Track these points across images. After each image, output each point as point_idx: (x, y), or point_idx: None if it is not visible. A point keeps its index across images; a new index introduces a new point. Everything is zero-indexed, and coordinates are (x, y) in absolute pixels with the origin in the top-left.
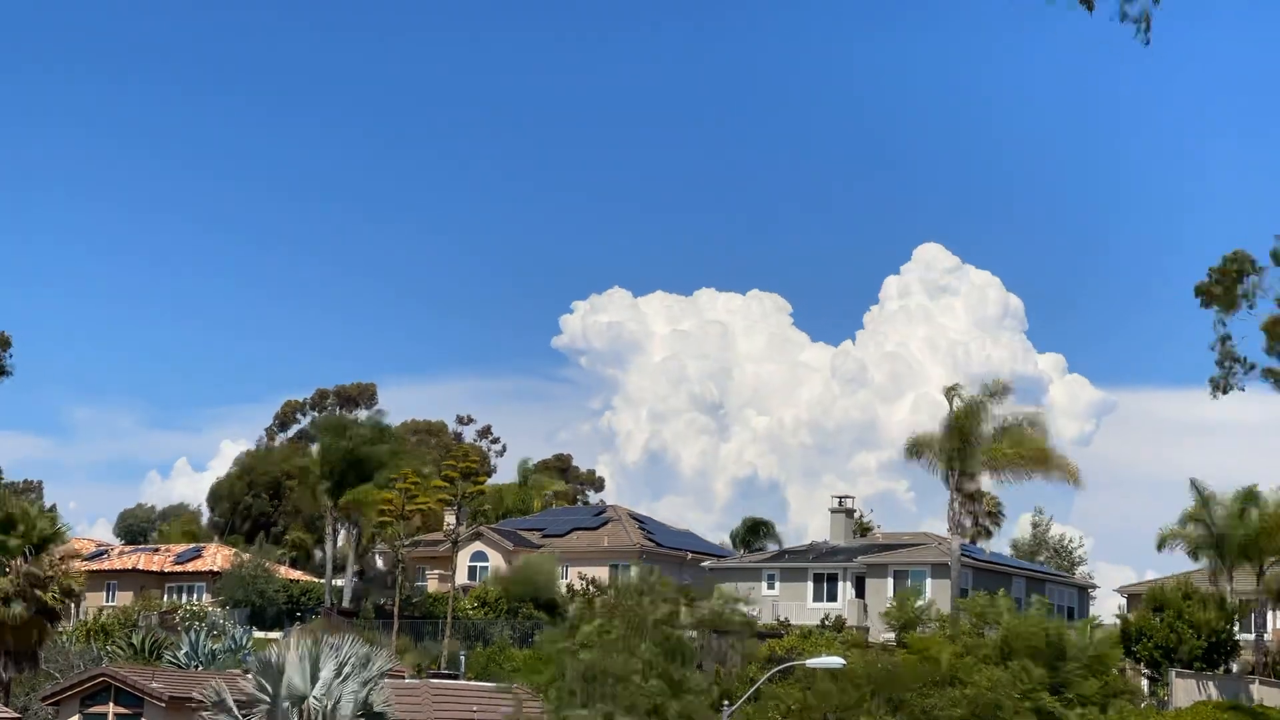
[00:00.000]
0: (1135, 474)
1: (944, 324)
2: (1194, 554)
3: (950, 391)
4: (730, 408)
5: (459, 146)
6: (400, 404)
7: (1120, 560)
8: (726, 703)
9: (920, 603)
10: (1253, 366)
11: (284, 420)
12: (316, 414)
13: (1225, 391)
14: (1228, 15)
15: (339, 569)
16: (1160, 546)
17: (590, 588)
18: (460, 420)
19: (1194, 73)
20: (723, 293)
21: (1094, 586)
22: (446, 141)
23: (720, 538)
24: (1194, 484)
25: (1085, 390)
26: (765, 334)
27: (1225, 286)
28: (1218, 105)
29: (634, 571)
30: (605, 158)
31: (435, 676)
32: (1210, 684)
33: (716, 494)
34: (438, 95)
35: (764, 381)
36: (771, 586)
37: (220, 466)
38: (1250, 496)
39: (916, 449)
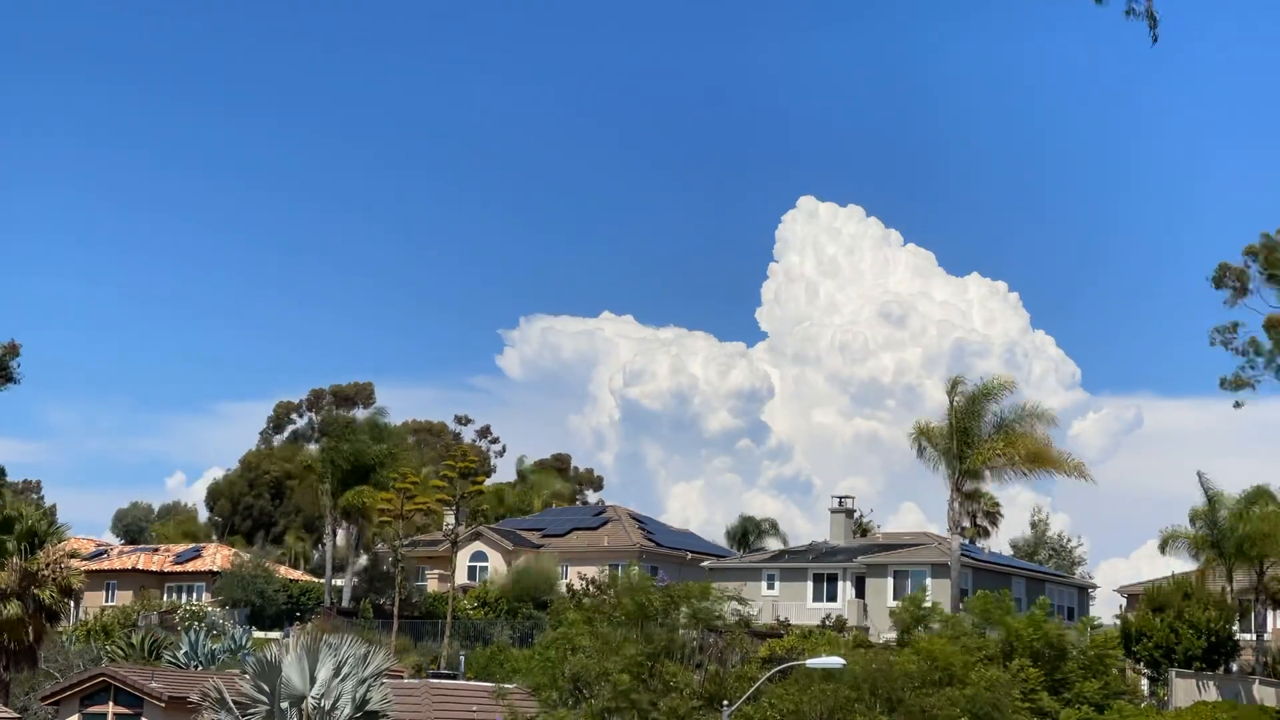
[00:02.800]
0: (1143, 482)
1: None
2: (1195, 554)
3: (952, 387)
4: (690, 418)
5: (447, 154)
6: (399, 404)
7: (1122, 561)
8: (726, 703)
9: (927, 604)
10: (1272, 357)
11: (278, 421)
12: (313, 414)
13: (1238, 389)
14: (1233, 15)
15: (339, 569)
16: (1163, 547)
17: (590, 587)
18: (459, 420)
19: (1201, 72)
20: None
21: (1094, 586)
22: (435, 149)
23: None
24: (1201, 479)
25: (1102, 402)
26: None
27: (1268, 260)
28: (1227, 106)
29: (634, 571)
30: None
31: (435, 676)
32: (1210, 684)
33: (684, 500)
34: (433, 109)
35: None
36: (771, 586)
37: (217, 466)
38: (1258, 496)
39: (920, 441)
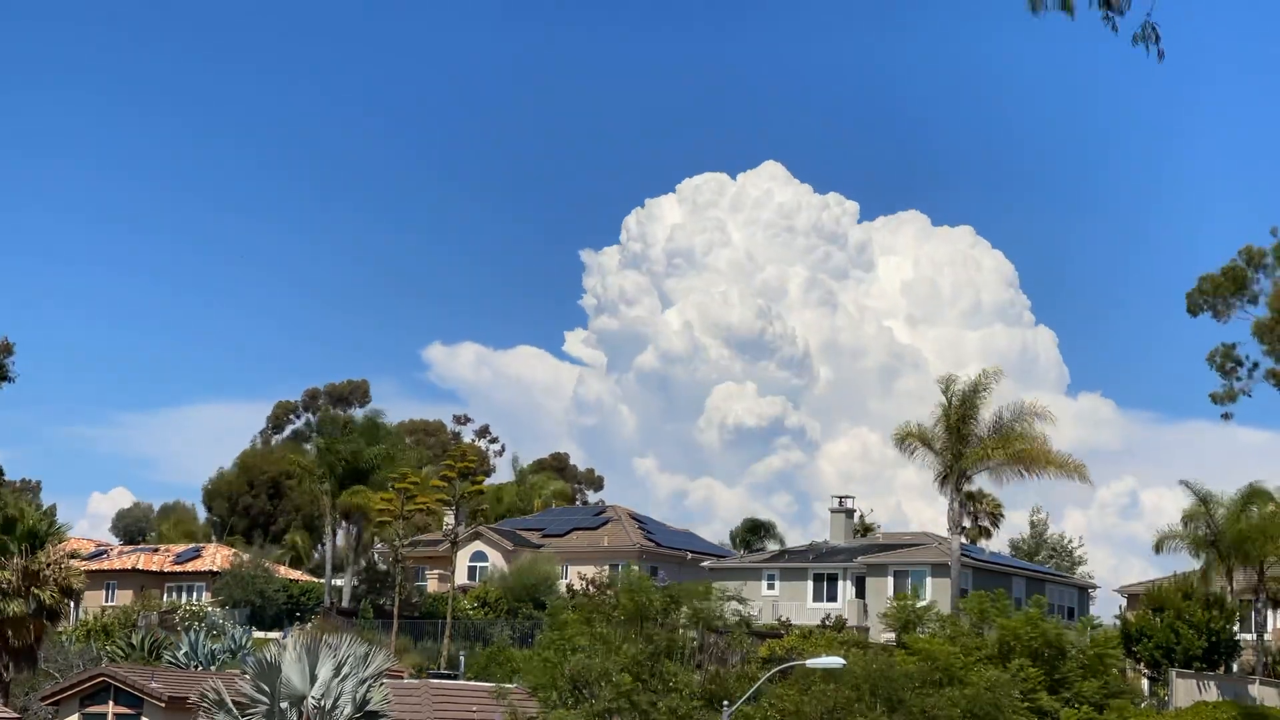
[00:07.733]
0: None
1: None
2: (1193, 554)
3: (947, 386)
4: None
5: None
6: (394, 404)
7: (1124, 562)
8: (726, 703)
9: (922, 603)
10: (1255, 366)
11: (277, 421)
12: (310, 415)
13: (1231, 400)
14: (1235, 13)
15: (339, 569)
16: (1158, 548)
17: (590, 587)
18: (458, 420)
19: (1201, 73)
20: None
21: (1094, 586)
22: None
23: None
24: (1186, 485)
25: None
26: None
27: (1234, 282)
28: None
29: (632, 571)
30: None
31: (435, 677)
32: (1210, 684)
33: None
34: (424, 117)
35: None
36: (771, 586)
37: (217, 467)
38: (1254, 496)
39: (906, 440)
